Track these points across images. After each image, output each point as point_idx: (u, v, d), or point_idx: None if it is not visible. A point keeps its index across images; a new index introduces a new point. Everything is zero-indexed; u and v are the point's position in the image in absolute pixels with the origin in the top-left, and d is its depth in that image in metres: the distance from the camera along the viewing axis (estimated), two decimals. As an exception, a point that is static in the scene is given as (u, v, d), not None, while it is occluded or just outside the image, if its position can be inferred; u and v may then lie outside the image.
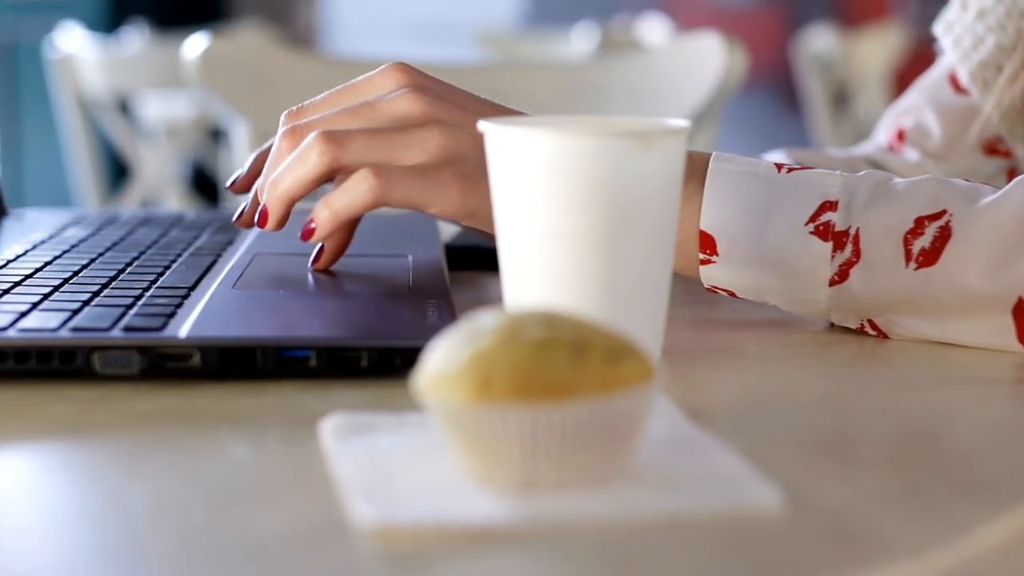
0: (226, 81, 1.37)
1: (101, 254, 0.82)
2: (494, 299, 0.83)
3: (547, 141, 0.60)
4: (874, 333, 0.72)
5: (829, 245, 0.70)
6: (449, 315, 0.67)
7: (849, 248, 0.69)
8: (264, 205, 0.74)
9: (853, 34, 3.14)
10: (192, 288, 0.72)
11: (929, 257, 0.68)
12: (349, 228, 0.77)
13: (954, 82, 0.95)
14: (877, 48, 3.01)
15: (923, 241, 0.68)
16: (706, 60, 1.30)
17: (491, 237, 0.70)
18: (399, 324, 0.67)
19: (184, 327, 0.64)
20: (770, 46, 4.24)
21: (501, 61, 2.31)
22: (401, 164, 0.71)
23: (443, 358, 0.50)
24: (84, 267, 0.77)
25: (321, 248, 0.78)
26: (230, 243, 0.88)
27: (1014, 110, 0.89)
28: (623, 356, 0.49)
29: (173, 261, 0.80)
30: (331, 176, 0.72)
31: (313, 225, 0.72)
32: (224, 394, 0.61)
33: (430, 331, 0.63)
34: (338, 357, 0.62)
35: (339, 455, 0.52)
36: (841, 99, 2.75)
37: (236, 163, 1.21)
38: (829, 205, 0.70)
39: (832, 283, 0.70)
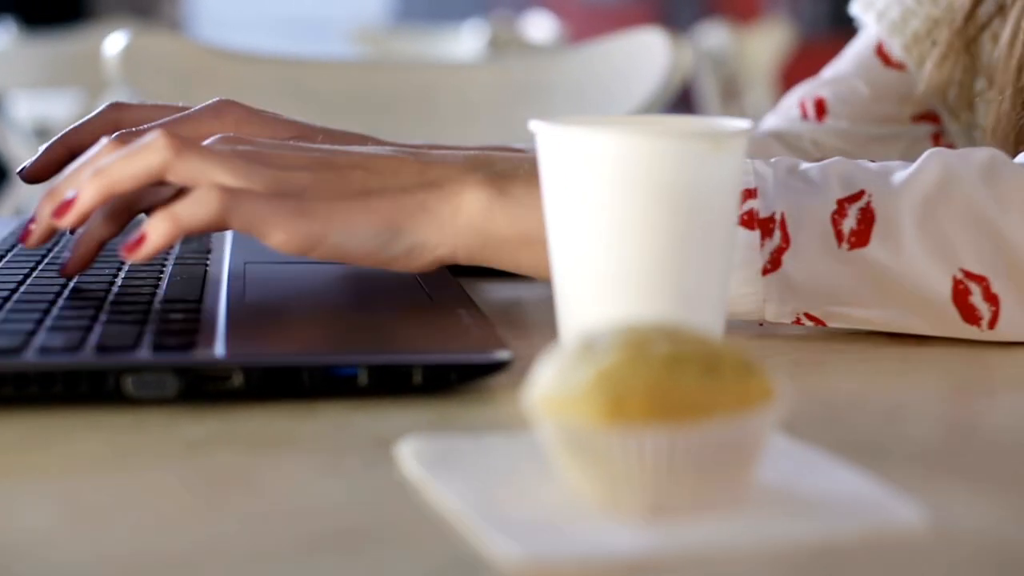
0: (148, 79, 1.31)
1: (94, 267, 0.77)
2: (506, 304, 0.80)
3: (618, 142, 0.57)
4: (811, 324, 0.69)
5: (757, 233, 0.67)
6: (488, 326, 0.64)
7: (778, 234, 0.67)
8: (71, 197, 0.65)
9: (744, 31, 3.16)
10: (198, 302, 0.67)
11: (860, 238, 0.67)
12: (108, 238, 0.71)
13: (883, 56, 0.94)
14: (766, 44, 3.04)
15: (849, 222, 0.67)
16: (650, 56, 1.28)
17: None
18: (446, 338, 0.63)
19: (217, 346, 0.59)
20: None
21: (425, 60, 2.26)
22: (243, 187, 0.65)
23: (561, 377, 0.46)
24: (65, 282, 0.72)
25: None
26: (207, 251, 0.83)
27: (948, 84, 0.88)
28: (750, 372, 0.47)
29: (159, 273, 0.75)
30: (156, 181, 0.65)
31: (147, 238, 0.63)
32: (271, 416, 0.57)
33: (480, 344, 0.60)
34: (389, 374, 0.58)
35: (440, 485, 0.48)
36: (729, 95, 2.77)
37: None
38: (749, 193, 0.67)
39: (765, 272, 0.68)
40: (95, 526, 0.46)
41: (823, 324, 0.69)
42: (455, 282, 0.75)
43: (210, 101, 0.73)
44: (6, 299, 0.67)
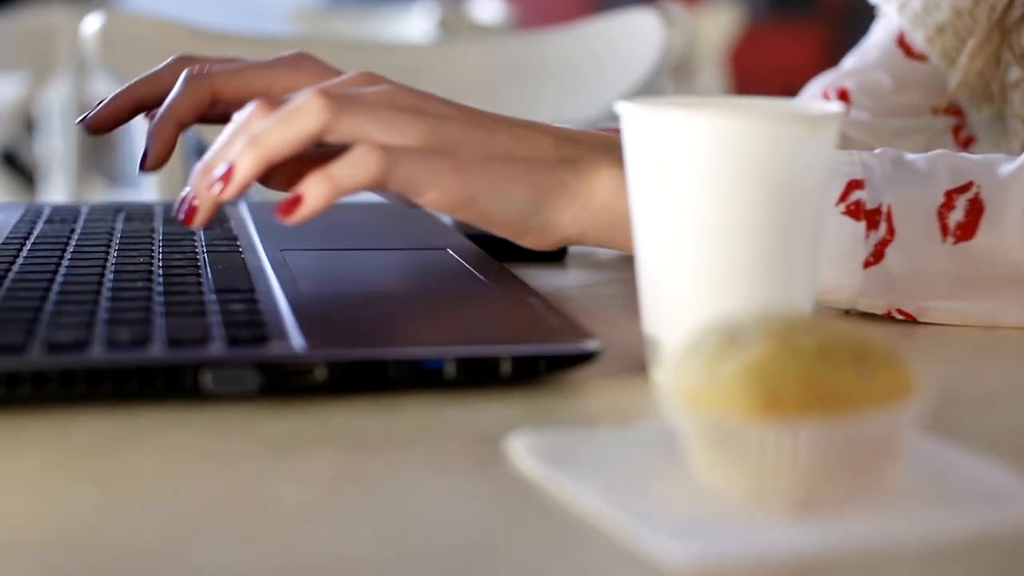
0: (124, 59, 1.26)
1: (98, 254, 0.73)
2: (551, 288, 0.77)
3: (717, 125, 0.55)
4: (901, 318, 0.68)
5: (863, 224, 0.66)
6: (565, 316, 0.61)
7: (883, 226, 0.66)
8: (232, 165, 0.62)
9: (694, 12, 3.15)
10: (252, 292, 0.64)
11: (966, 231, 0.66)
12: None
13: (903, 45, 0.92)
14: (715, 26, 3.03)
15: (956, 215, 0.66)
16: (643, 37, 1.26)
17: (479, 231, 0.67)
18: (528, 328, 0.60)
19: (294, 339, 0.56)
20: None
21: (411, 42, 2.22)
22: (399, 144, 0.63)
23: (706, 370, 0.44)
24: (101, 271, 0.69)
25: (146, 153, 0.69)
26: (235, 238, 0.79)
27: (977, 77, 0.87)
28: (896, 363, 0.45)
29: (195, 261, 0.72)
30: (318, 142, 0.63)
31: (304, 199, 0.61)
32: (356, 412, 0.54)
33: (567, 334, 0.58)
34: (478, 366, 0.56)
35: (570, 482, 0.46)
36: (681, 77, 2.76)
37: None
38: (856, 184, 0.66)
39: (867, 265, 0.66)
40: (219, 532, 0.43)
41: (913, 319, 0.68)
42: (506, 269, 0.73)
43: (285, 53, 0.71)
44: (45, 290, 0.64)
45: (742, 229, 0.56)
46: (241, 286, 0.65)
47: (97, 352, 0.54)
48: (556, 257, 0.87)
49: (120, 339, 0.55)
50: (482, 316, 0.63)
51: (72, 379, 0.53)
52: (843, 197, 0.66)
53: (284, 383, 0.55)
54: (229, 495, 0.47)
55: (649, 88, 1.25)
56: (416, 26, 2.74)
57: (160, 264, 0.71)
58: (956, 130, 0.92)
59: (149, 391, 0.54)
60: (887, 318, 0.68)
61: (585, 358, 0.57)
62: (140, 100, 0.72)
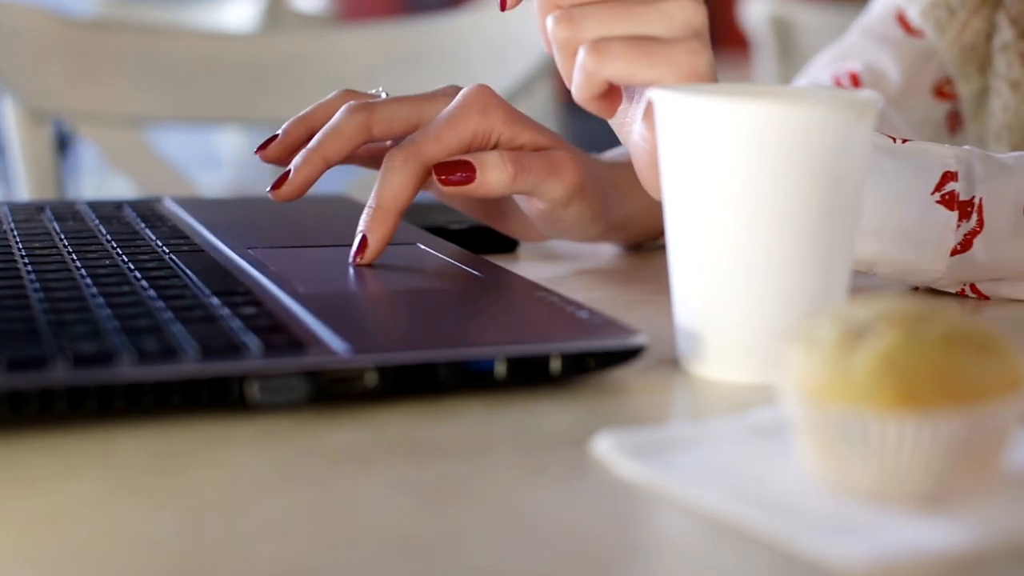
0: (2, 50, 1.20)
1: (54, 257, 0.69)
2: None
3: (769, 113, 0.54)
4: (974, 296, 0.71)
5: (955, 214, 0.68)
6: (581, 307, 0.60)
7: (975, 218, 0.68)
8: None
9: None
10: (249, 295, 0.61)
11: None
12: (397, 218, 0.69)
13: (903, 22, 0.93)
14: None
15: None
16: (526, 27, 1.24)
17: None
18: (570, 324, 0.58)
19: (335, 344, 0.53)
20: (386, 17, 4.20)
21: (234, 31, 2.14)
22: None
23: (830, 363, 0.43)
24: (70, 275, 0.64)
25: (364, 241, 0.68)
26: (185, 237, 0.75)
27: (969, 48, 0.89)
28: (1008, 351, 0.45)
29: (160, 263, 0.68)
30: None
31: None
32: (410, 417, 0.52)
33: (612, 330, 0.56)
34: (528, 365, 0.54)
35: (687, 484, 0.44)
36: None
37: None
38: (951, 175, 0.69)
39: (954, 252, 0.68)
40: (326, 559, 0.40)
41: (986, 298, 0.71)
42: (489, 262, 0.71)
43: (467, 92, 0.71)
44: (26, 297, 0.59)
45: (790, 217, 0.55)
46: (236, 288, 0.62)
47: (127, 365, 0.51)
48: (508, 248, 0.85)
49: (149, 350, 0.52)
50: (517, 314, 0.61)
51: (111, 395, 0.50)
52: (938, 187, 0.68)
53: (332, 390, 0.52)
54: (321, 517, 0.44)
55: (548, 72, 1.24)
56: (234, 15, 2.67)
57: (132, 267, 0.67)
58: (952, 116, 0.93)
59: (192, 404, 0.51)
60: (959, 295, 0.71)
61: (633, 353, 0.55)
62: (330, 159, 0.71)
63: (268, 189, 0.71)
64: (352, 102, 0.71)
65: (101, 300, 0.59)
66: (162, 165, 1.25)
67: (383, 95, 0.75)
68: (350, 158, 0.72)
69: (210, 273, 0.65)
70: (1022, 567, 0.40)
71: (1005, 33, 0.88)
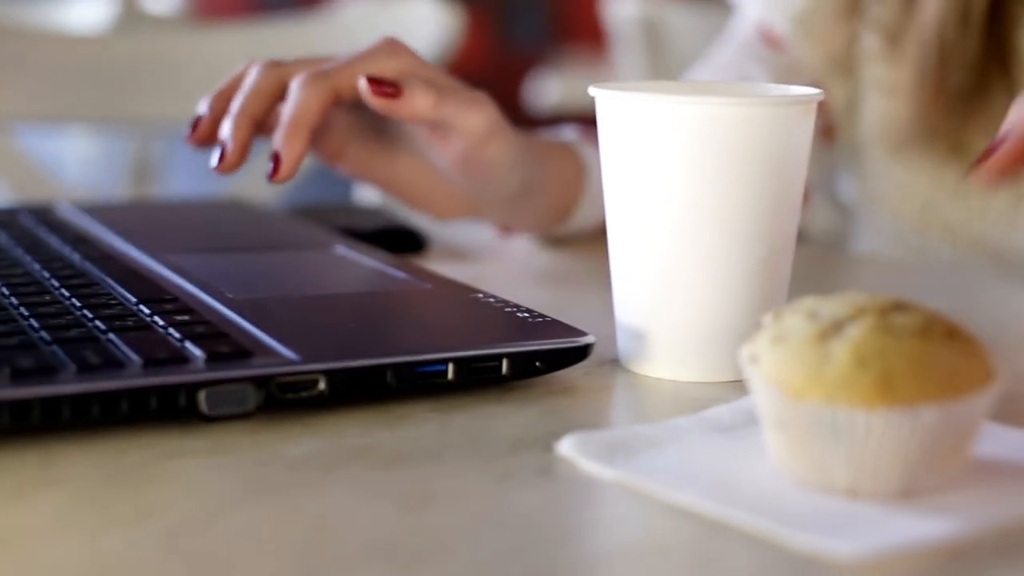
0: None
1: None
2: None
3: (717, 111, 0.54)
4: None
5: None
6: (520, 308, 0.59)
7: None
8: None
9: None
10: (176, 300, 0.59)
11: None
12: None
13: (767, 39, 0.95)
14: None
15: None
16: (418, 24, 1.23)
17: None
18: (515, 326, 0.58)
19: (283, 351, 0.52)
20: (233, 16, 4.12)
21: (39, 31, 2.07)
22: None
23: (802, 357, 0.43)
24: (11, 287, 0.62)
25: (277, 158, 0.69)
26: (91, 241, 0.73)
27: (833, 56, 0.91)
28: (980, 342, 0.45)
29: (75, 269, 0.65)
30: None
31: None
32: (363, 424, 0.51)
33: (558, 331, 0.56)
34: (477, 368, 0.53)
35: (672, 484, 0.44)
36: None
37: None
38: None
39: None
40: (316, 565, 0.39)
41: None
42: (413, 263, 0.70)
43: (377, 40, 0.72)
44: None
45: (734, 213, 0.55)
46: (162, 295, 0.60)
47: (68, 378, 0.49)
48: (416, 248, 0.84)
49: (91, 362, 0.50)
50: (459, 317, 0.60)
51: (56, 409, 0.48)
52: None
53: (283, 398, 0.51)
54: (297, 527, 0.42)
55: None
56: (83, 15, 2.60)
57: (47, 275, 0.64)
58: (825, 130, 0.94)
59: (139, 417, 0.49)
60: None
61: (581, 353, 0.55)
62: (256, 116, 0.71)
63: (212, 166, 0.70)
64: (261, 61, 0.72)
65: (23, 311, 0.57)
66: (26, 167, 1.21)
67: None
68: (266, 128, 0.72)
69: (131, 280, 0.63)
70: (1004, 556, 0.40)
71: (869, 40, 0.90)
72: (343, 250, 0.72)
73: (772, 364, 0.44)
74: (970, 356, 0.44)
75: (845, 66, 0.91)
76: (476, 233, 0.88)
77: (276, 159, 0.68)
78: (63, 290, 0.61)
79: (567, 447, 0.47)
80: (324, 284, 0.66)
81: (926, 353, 0.43)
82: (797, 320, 0.45)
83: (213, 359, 0.51)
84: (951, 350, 0.43)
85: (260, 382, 0.50)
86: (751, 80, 0.93)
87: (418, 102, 0.69)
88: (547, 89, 2.48)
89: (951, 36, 0.83)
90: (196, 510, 0.43)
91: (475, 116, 0.71)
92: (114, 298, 0.59)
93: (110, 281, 0.63)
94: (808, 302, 0.46)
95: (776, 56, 0.93)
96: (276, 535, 0.41)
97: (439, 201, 0.79)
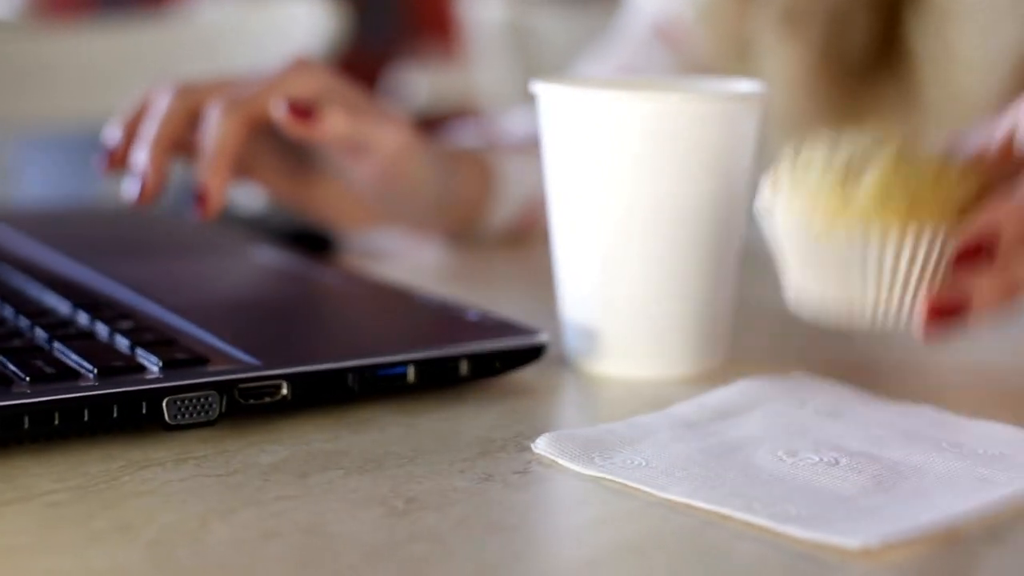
0: None
1: None
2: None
3: (664, 105, 0.54)
4: None
5: None
6: (465, 308, 0.59)
7: None
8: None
9: None
10: (122, 307, 0.57)
11: None
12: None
13: (663, 35, 0.95)
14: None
15: None
16: (301, 23, 1.22)
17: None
18: (462, 327, 0.57)
19: (241, 357, 0.51)
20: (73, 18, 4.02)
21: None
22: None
23: (829, 184, 0.45)
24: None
25: (203, 192, 0.67)
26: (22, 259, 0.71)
27: (737, 43, 0.92)
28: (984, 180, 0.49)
29: (17, 288, 0.63)
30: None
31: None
32: (328, 429, 0.50)
33: (512, 331, 0.56)
34: (437, 369, 0.53)
35: (661, 483, 0.44)
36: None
37: None
38: None
39: None
40: (315, 572, 0.39)
41: None
42: (347, 269, 0.69)
43: (287, 58, 0.71)
44: None
45: (685, 207, 0.55)
46: (97, 302, 0.58)
47: (23, 389, 0.47)
48: (322, 248, 0.83)
49: (45, 373, 0.48)
50: (408, 319, 0.59)
51: (16, 420, 0.46)
52: None
53: (245, 404, 0.49)
54: (288, 536, 0.41)
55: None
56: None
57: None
58: None
59: (99, 429, 0.47)
60: None
61: (537, 352, 0.55)
62: (170, 144, 0.69)
63: (130, 198, 0.68)
64: (169, 84, 0.70)
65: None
66: None
67: None
68: (180, 147, 0.71)
69: (57, 286, 0.61)
70: (993, 540, 0.41)
71: (765, 19, 0.91)
72: (265, 253, 0.71)
73: (799, 193, 0.45)
74: (976, 191, 0.46)
75: (743, 56, 0.92)
76: (380, 235, 0.87)
77: (203, 193, 0.67)
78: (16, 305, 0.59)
79: (543, 447, 0.47)
80: (259, 288, 0.65)
81: (945, 186, 0.45)
82: (819, 152, 0.46)
83: (170, 366, 0.49)
84: (962, 187, 0.46)
85: (223, 388, 0.49)
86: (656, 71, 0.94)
87: (332, 124, 0.69)
88: (409, 85, 2.47)
89: (846, 12, 0.85)
90: (179, 522, 0.42)
91: (390, 133, 0.71)
92: (45, 306, 0.57)
93: (35, 287, 0.61)
94: (826, 137, 0.48)
95: (672, 55, 0.94)
96: (269, 543, 0.40)
97: (352, 214, 0.79)
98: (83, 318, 0.55)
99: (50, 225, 0.81)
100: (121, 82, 1.22)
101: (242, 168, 0.75)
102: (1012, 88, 0.86)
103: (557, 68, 2.00)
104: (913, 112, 0.89)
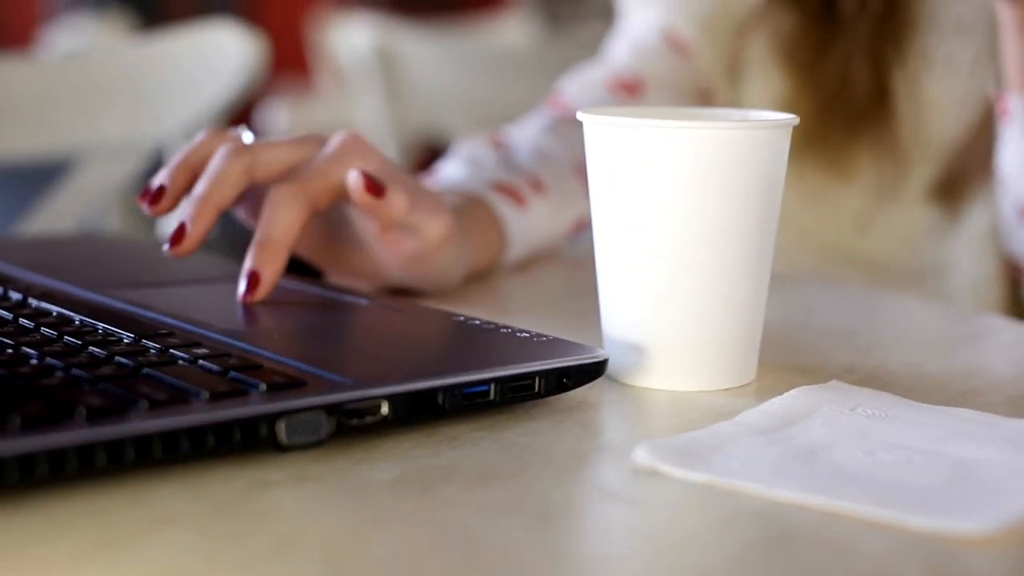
0: None
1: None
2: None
3: (716, 135, 0.58)
4: None
5: None
6: (517, 330, 0.62)
7: None
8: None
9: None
10: (175, 335, 0.59)
11: None
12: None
13: (671, 41, 0.99)
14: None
15: None
16: (223, 53, 1.22)
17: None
18: (525, 346, 0.59)
19: (334, 378, 0.53)
20: None
21: None
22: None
23: None
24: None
25: (254, 277, 0.67)
26: (21, 283, 0.71)
27: (733, 63, 0.97)
28: None
29: (43, 312, 0.63)
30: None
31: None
32: (428, 446, 0.52)
33: (573, 348, 0.59)
34: (515, 387, 0.56)
35: (773, 482, 0.48)
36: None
37: None
38: None
39: None
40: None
41: None
42: (360, 289, 0.71)
43: (344, 136, 0.71)
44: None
45: (732, 228, 0.59)
46: (158, 331, 0.59)
47: (140, 416, 0.48)
48: (315, 275, 0.85)
49: (159, 399, 0.49)
50: (473, 340, 0.62)
51: (149, 445, 0.47)
52: None
53: (350, 424, 0.51)
54: (439, 547, 0.43)
55: (236, 102, 1.23)
56: None
57: (26, 321, 0.62)
58: None
59: (224, 450, 0.49)
60: None
61: (600, 368, 0.58)
62: (222, 206, 0.69)
63: (165, 247, 0.68)
64: (229, 145, 0.70)
65: (57, 359, 0.54)
66: None
67: (247, 134, 0.73)
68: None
69: (105, 316, 0.62)
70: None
71: (762, 48, 0.96)
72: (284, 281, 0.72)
73: None
74: None
75: (734, 77, 0.97)
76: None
77: (255, 278, 0.66)
78: (59, 334, 0.59)
79: (644, 456, 0.50)
80: (297, 311, 0.66)
81: None
82: None
83: (273, 389, 0.51)
84: None
85: (331, 409, 0.51)
86: (663, 80, 0.98)
87: (396, 202, 0.70)
88: (273, 116, 2.46)
89: (833, 49, 0.90)
90: (335, 536, 0.44)
91: (437, 224, 0.73)
92: (112, 334, 0.58)
93: (83, 318, 0.61)
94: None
95: (681, 64, 0.98)
96: (435, 553, 0.43)
97: (372, 280, 0.78)
98: (152, 346, 0.56)
99: (35, 257, 0.81)
100: (47, 119, 1.21)
101: None
102: (974, 139, 0.93)
103: (424, 93, 2.03)
104: (887, 153, 0.94)
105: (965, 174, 0.94)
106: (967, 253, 0.95)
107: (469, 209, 0.82)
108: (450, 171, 0.88)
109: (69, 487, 0.46)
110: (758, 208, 0.59)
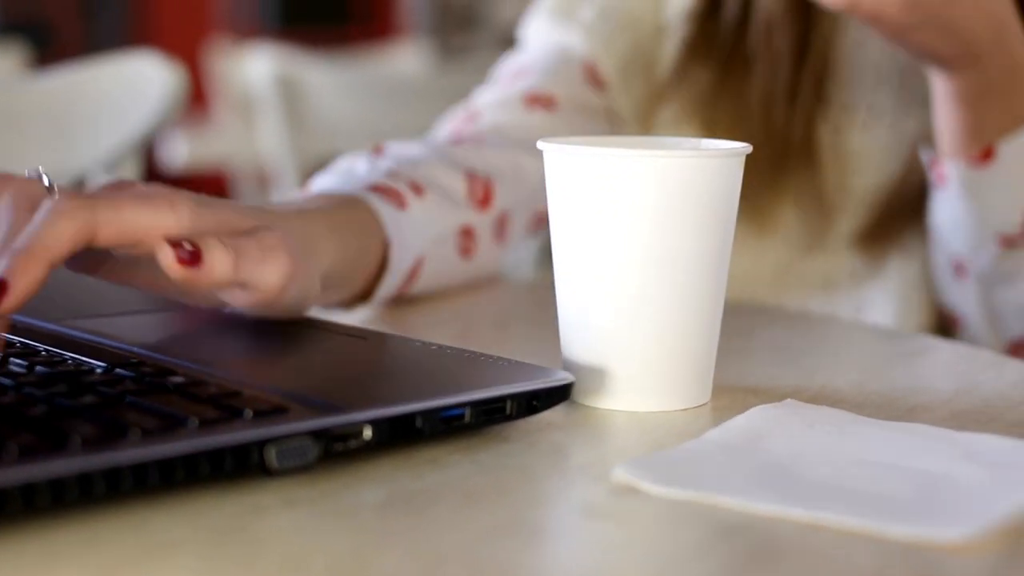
0: None
1: None
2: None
3: (676, 163, 0.60)
4: None
5: None
6: (479, 354, 0.63)
7: None
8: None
9: None
10: (141, 365, 0.59)
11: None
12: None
13: (591, 76, 1.01)
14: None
15: None
16: (143, 82, 1.22)
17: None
18: (494, 370, 0.61)
19: (315, 403, 0.54)
20: None
21: None
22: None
23: None
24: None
25: (2, 287, 0.57)
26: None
27: (642, 110, 0.99)
28: None
29: (18, 345, 0.63)
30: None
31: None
32: (409, 469, 0.53)
33: (538, 372, 0.60)
34: (489, 410, 0.57)
35: (755, 496, 0.50)
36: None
37: None
38: None
39: None
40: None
41: None
42: (319, 318, 0.72)
43: (159, 191, 0.63)
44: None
45: (693, 253, 0.61)
46: (128, 359, 0.60)
47: (135, 444, 0.49)
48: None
49: (150, 427, 0.50)
50: (443, 365, 0.63)
51: (145, 472, 0.48)
52: None
53: (335, 448, 0.52)
54: (461, 572, 0.45)
55: (155, 131, 1.22)
56: None
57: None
58: None
59: (215, 476, 0.50)
60: None
61: (566, 391, 0.59)
62: (56, 264, 0.60)
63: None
64: (64, 197, 0.60)
65: (41, 390, 0.54)
66: None
67: (42, 177, 0.64)
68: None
69: (74, 347, 0.62)
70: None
71: (680, 103, 0.99)
72: (179, 313, 0.73)
73: None
74: None
75: (646, 122, 0.99)
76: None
77: (2, 287, 0.57)
78: (15, 360, 0.59)
79: (624, 474, 0.52)
80: (260, 340, 0.67)
81: None
82: None
83: (260, 415, 0.52)
84: None
85: (318, 435, 0.52)
86: (581, 105, 1.00)
87: (218, 269, 0.61)
88: (175, 147, 2.45)
89: (753, 104, 0.93)
90: (340, 557, 0.45)
91: (270, 272, 0.64)
92: (83, 363, 0.59)
93: (48, 348, 0.61)
94: None
95: (598, 101, 1.00)
96: (442, 570, 0.44)
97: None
98: (126, 374, 0.57)
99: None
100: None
101: (87, 266, 0.66)
102: (898, 187, 0.96)
103: (324, 121, 2.04)
104: (812, 204, 0.97)
105: (890, 222, 0.97)
106: (888, 300, 0.98)
107: (342, 206, 0.77)
108: (322, 181, 0.86)
109: (67, 516, 0.47)
110: (715, 233, 0.62)
